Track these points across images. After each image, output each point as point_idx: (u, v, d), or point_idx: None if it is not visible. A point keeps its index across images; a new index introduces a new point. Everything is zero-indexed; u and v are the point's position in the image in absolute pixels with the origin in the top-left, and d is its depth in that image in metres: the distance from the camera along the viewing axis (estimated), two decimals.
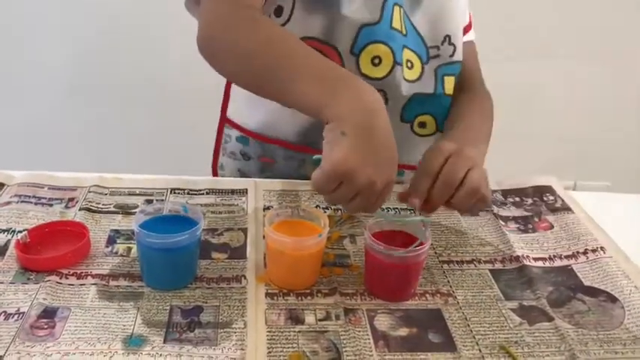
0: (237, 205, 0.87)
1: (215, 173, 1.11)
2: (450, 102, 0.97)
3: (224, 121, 1.06)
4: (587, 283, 0.75)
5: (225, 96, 1.05)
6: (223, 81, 1.00)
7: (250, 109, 0.98)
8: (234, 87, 1.02)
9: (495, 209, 0.90)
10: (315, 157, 0.68)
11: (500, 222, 0.87)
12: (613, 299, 0.72)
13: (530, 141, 2.14)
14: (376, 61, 0.89)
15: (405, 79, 0.91)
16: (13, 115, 1.95)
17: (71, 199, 0.85)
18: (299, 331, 0.65)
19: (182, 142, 1.78)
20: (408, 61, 0.92)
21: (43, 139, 1.97)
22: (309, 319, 0.66)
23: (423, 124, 0.97)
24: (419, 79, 0.93)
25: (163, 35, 1.81)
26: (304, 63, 0.73)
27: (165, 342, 0.61)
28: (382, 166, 0.66)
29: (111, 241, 0.77)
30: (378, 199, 0.68)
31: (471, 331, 0.67)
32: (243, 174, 1.04)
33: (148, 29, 1.85)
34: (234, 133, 1.03)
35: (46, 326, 0.62)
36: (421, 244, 0.69)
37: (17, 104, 1.96)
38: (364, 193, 0.66)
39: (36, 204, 0.83)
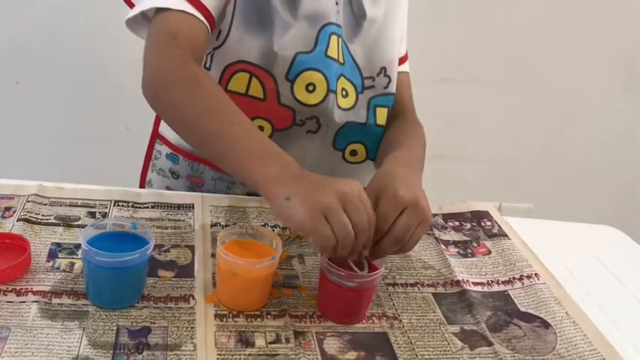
0: (184, 220, 0.85)
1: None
2: (383, 131, 0.99)
3: (155, 136, 1.05)
4: (522, 308, 0.79)
5: None
6: None
7: None
8: None
9: (437, 233, 0.93)
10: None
11: (442, 246, 0.90)
12: (546, 325, 0.76)
13: (457, 163, 2.22)
14: (310, 87, 0.90)
15: (339, 107, 0.93)
16: None
17: (8, 209, 0.81)
18: (249, 355, 0.64)
19: (121, 149, 1.72)
20: (343, 89, 0.93)
21: None
22: (259, 341, 0.66)
23: (354, 152, 0.99)
24: (352, 107, 0.95)
25: (106, 35, 1.76)
26: (237, 137, 0.74)
27: None
28: (344, 183, 0.66)
29: (52, 255, 0.74)
30: (363, 202, 0.67)
31: (417, 355, 0.69)
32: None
33: (85, 26, 1.79)
34: (165, 149, 1.02)
35: None
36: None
37: None
38: (348, 204, 0.65)
39: None
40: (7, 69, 1.81)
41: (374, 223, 0.68)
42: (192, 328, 0.66)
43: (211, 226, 0.85)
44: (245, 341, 0.66)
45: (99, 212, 0.84)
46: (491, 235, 0.94)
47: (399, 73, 1.01)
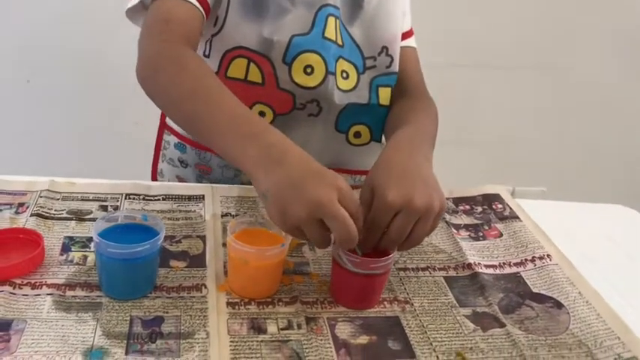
0: (195, 211, 0.86)
1: (154, 179, 1.09)
2: (386, 112, 0.98)
3: (163, 126, 1.05)
4: (535, 289, 0.79)
5: None
6: None
7: None
8: None
9: (447, 217, 0.93)
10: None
11: (453, 230, 0.90)
12: (559, 305, 0.76)
13: (469, 147, 2.21)
14: (308, 70, 0.90)
15: (339, 89, 0.93)
16: None
17: (21, 204, 0.82)
18: (262, 341, 0.65)
19: (130, 144, 1.74)
20: (343, 71, 0.93)
21: None
22: (272, 328, 0.67)
23: (358, 134, 0.99)
24: (354, 89, 0.95)
25: (113, 33, 1.77)
26: (221, 118, 0.72)
27: (127, 354, 0.61)
28: (318, 191, 0.63)
29: (65, 248, 0.75)
30: (348, 204, 0.65)
31: (429, 338, 0.69)
32: (182, 181, 1.04)
33: (93, 24, 1.80)
34: (173, 139, 1.03)
35: (0, 340, 0.60)
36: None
37: None
38: (323, 216, 0.63)
39: None
40: (17, 69, 1.83)
41: (360, 221, 0.66)
42: (204, 316, 0.67)
43: (222, 216, 0.86)
44: (257, 328, 0.67)
45: (110, 206, 0.85)
46: (502, 218, 0.94)
47: (404, 48, 1.00)
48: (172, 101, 0.78)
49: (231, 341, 0.64)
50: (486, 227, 0.92)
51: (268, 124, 0.72)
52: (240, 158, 0.69)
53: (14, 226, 0.77)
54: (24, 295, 0.66)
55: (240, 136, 0.70)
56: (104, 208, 0.84)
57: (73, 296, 0.67)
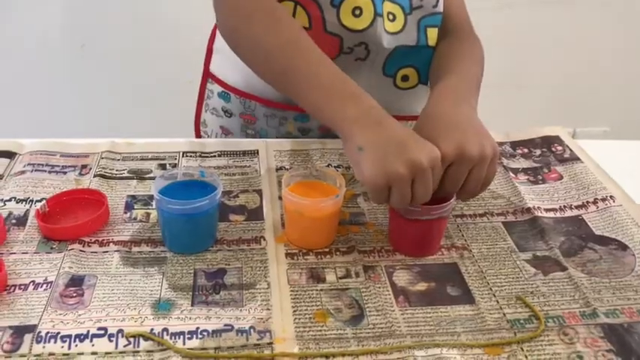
0: (250, 166, 0.87)
1: (198, 130, 1.10)
2: (434, 52, 0.95)
3: (207, 75, 1.05)
4: (597, 232, 0.77)
5: (208, 51, 1.04)
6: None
7: (233, 65, 0.97)
8: (217, 42, 1.02)
9: (505, 161, 0.91)
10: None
11: (511, 174, 0.88)
12: (624, 247, 0.74)
13: (527, 89, 2.14)
14: (357, 12, 0.88)
15: (387, 32, 0.90)
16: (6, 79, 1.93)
17: (84, 166, 0.85)
18: (321, 290, 0.66)
19: (184, 102, 1.77)
20: (389, 13, 0.90)
21: (32, 102, 1.96)
22: (330, 277, 0.68)
23: (405, 78, 0.97)
24: (401, 31, 0.92)
25: None
26: (317, 74, 0.74)
27: (192, 305, 0.63)
28: (421, 152, 0.65)
29: (128, 207, 0.78)
30: (435, 171, 0.66)
31: (488, 283, 0.68)
32: (225, 131, 1.04)
33: None
34: (217, 88, 1.03)
35: (75, 294, 0.63)
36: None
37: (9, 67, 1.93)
38: (418, 177, 0.65)
39: (50, 172, 0.83)
40: (72, 34, 1.87)
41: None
42: (265, 267, 0.69)
43: (276, 169, 0.87)
44: (316, 277, 0.68)
45: (169, 164, 0.87)
46: (562, 160, 0.91)
47: None
48: (267, 53, 0.78)
49: (291, 290, 0.66)
50: (546, 170, 0.89)
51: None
52: (337, 116, 0.71)
53: (79, 187, 0.80)
54: (93, 252, 0.70)
55: (341, 95, 0.72)
56: (163, 167, 0.86)
57: (138, 252, 0.70)
